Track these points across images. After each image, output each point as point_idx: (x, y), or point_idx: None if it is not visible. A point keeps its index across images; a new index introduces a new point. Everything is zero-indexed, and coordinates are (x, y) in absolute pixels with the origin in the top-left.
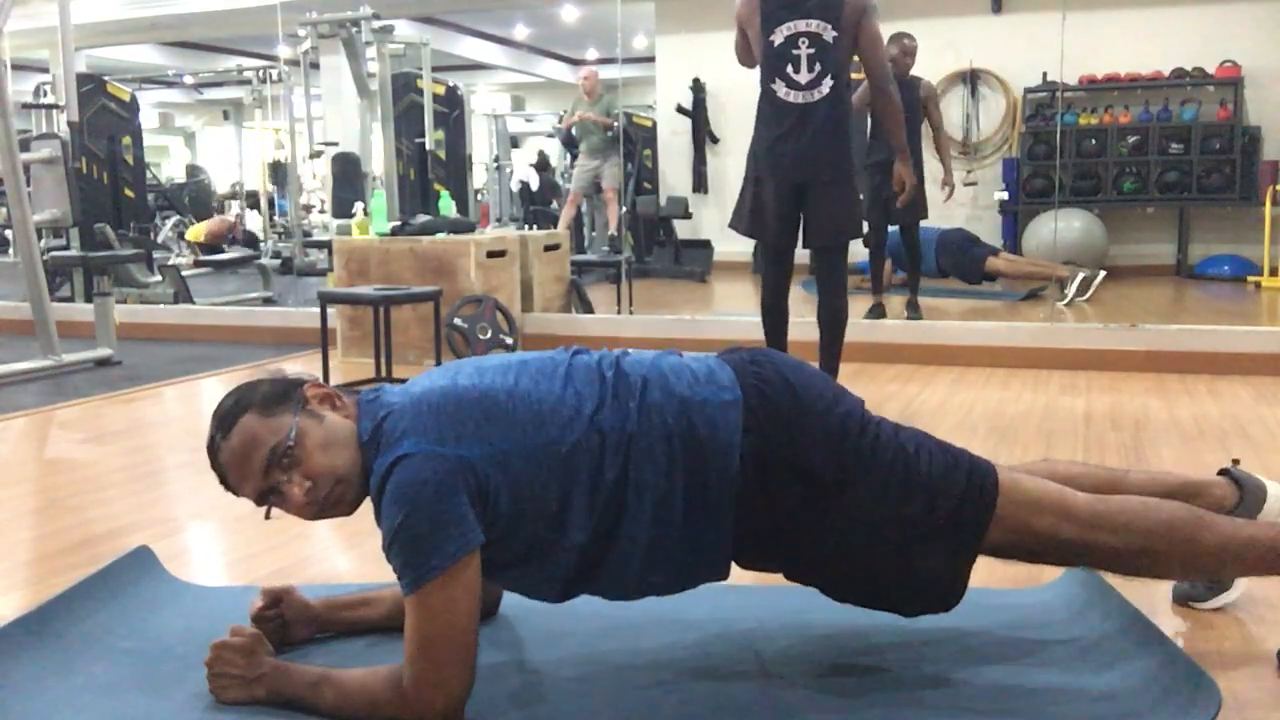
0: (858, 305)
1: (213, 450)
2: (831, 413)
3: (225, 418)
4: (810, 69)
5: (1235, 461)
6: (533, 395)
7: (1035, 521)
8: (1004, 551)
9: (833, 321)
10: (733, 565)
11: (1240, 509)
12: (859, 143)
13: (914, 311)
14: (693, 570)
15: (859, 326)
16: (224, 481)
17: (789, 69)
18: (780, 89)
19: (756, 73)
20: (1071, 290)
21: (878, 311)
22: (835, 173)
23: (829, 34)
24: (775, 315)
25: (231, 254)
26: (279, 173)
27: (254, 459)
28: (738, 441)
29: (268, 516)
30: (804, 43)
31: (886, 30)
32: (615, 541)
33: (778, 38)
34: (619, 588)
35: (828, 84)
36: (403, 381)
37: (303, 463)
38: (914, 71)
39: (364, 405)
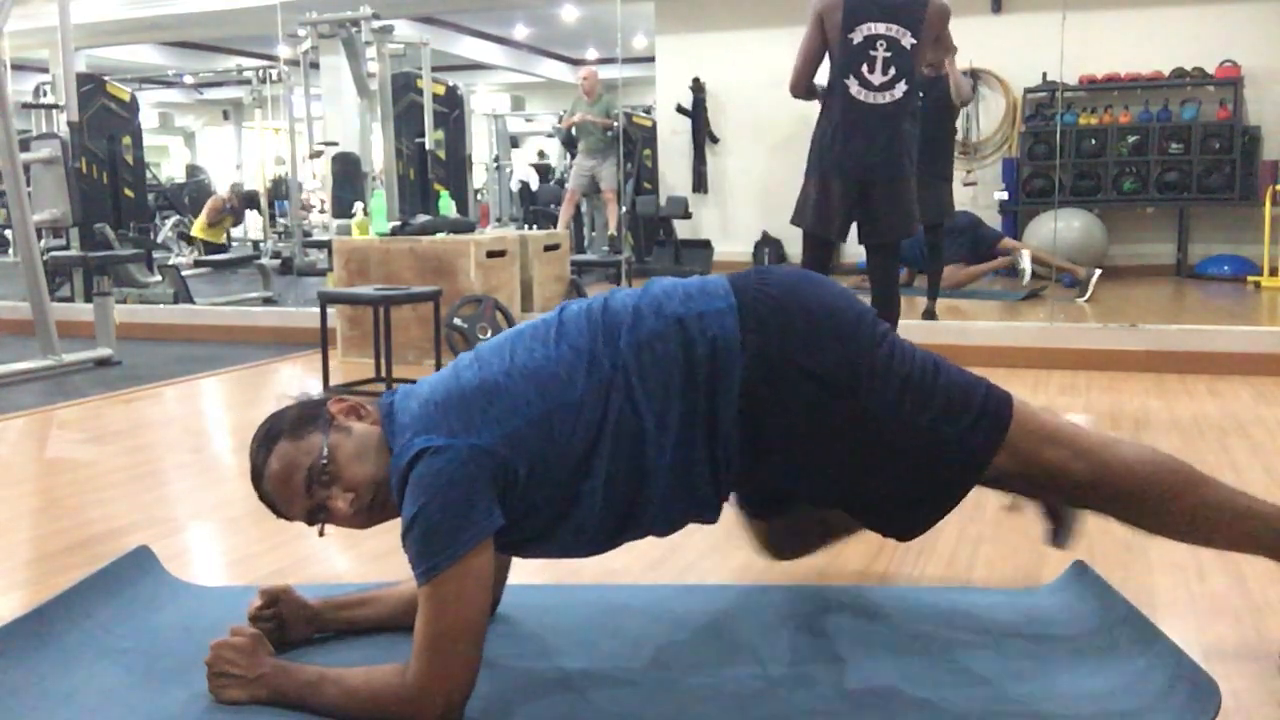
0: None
1: (257, 483)
2: (843, 316)
3: (260, 450)
4: (885, 71)
5: None
6: (529, 366)
7: (1046, 452)
8: (1009, 480)
9: (886, 304)
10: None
11: None
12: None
13: (931, 319)
14: (720, 482)
15: None
16: (274, 509)
17: (864, 68)
18: (853, 86)
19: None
20: (1091, 287)
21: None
22: (899, 173)
23: (907, 40)
24: None
25: (232, 254)
26: (279, 187)
27: (294, 482)
28: (738, 345)
29: (321, 534)
30: (881, 45)
31: None
32: (644, 475)
33: (857, 36)
34: (663, 521)
35: (901, 88)
36: (408, 382)
37: (340, 477)
38: None
39: (383, 409)
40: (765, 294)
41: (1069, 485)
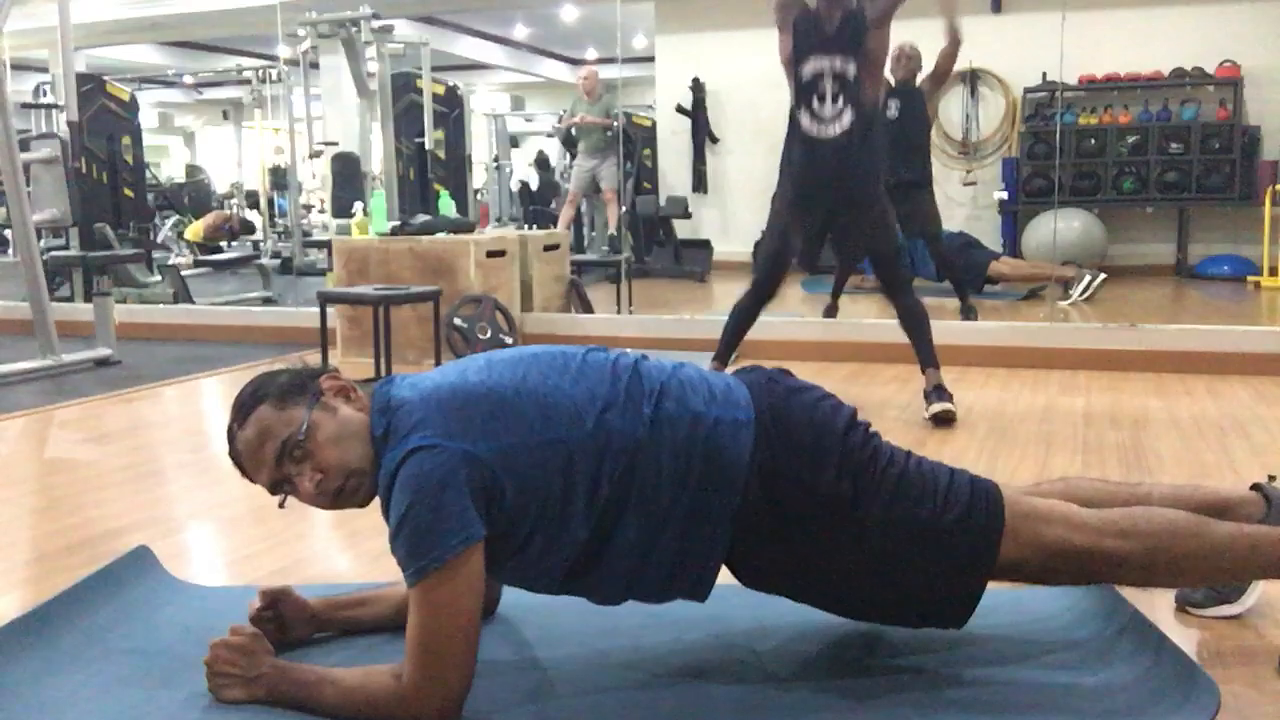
0: (862, 306)
1: (230, 438)
2: (840, 431)
3: (242, 407)
4: (834, 102)
5: (1271, 478)
6: (540, 391)
7: (1045, 531)
8: (1020, 570)
9: (908, 317)
10: (732, 579)
11: (1267, 523)
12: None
13: (970, 314)
14: (675, 581)
15: (860, 327)
16: (240, 468)
17: (814, 101)
18: (804, 119)
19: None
20: (1076, 292)
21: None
22: (859, 201)
23: (851, 70)
24: (748, 319)
25: (231, 254)
26: (279, 177)
27: (266, 450)
28: (746, 461)
29: (281, 505)
30: (826, 81)
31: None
32: (611, 542)
33: (805, 73)
34: (609, 588)
35: (848, 117)
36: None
37: (313, 455)
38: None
39: (377, 398)
40: (778, 413)
41: (1075, 561)
